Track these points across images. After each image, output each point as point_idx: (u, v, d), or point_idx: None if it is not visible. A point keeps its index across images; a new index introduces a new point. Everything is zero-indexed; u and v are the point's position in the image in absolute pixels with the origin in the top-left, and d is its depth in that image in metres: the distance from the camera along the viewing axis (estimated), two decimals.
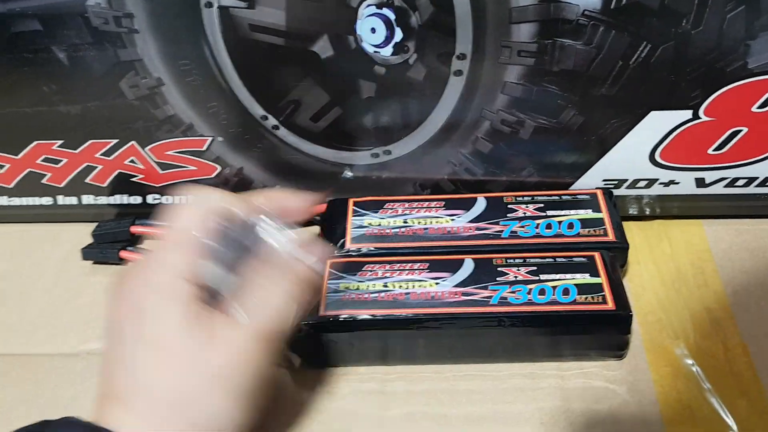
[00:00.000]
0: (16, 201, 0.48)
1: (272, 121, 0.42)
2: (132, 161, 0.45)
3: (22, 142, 0.44)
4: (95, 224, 0.47)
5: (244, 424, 0.31)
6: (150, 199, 0.47)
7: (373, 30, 0.37)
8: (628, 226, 0.43)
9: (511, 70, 0.38)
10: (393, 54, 0.38)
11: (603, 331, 0.38)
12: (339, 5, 0.36)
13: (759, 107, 0.39)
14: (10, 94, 0.41)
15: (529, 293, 0.38)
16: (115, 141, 0.43)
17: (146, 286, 0.30)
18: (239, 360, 0.30)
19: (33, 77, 0.40)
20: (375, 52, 0.38)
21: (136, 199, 0.47)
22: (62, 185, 0.46)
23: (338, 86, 0.40)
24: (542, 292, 0.38)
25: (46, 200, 0.48)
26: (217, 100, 0.41)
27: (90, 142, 0.44)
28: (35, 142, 0.44)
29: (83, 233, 0.48)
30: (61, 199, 0.47)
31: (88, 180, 0.46)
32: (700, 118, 0.40)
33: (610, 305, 0.37)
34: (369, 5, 0.36)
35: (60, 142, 0.44)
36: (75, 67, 0.39)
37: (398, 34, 0.37)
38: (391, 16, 0.36)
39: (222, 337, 0.30)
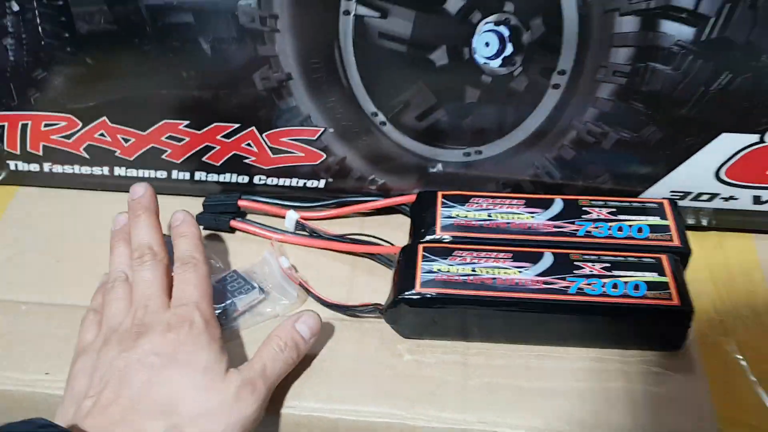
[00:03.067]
0: (133, 172, 0.53)
1: (381, 117, 0.47)
2: (248, 144, 0.50)
3: (152, 120, 0.49)
4: (201, 199, 0.53)
5: None
6: (256, 179, 0.52)
7: (487, 44, 0.42)
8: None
9: (604, 87, 0.43)
10: (501, 66, 0.43)
11: (667, 323, 0.43)
12: (461, 21, 0.41)
13: None
14: (151, 77, 0.47)
15: (603, 286, 0.43)
16: (237, 125, 0.49)
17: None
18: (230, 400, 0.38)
19: (176, 63, 0.45)
20: (485, 63, 0.43)
21: (243, 179, 0.52)
22: (179, 161, 0.52)
23: (446, 91, 0.45)
24: (615, 286, 0.43)
25: (161, 174, 0.53)
26: (336, 95, 0.46)
27: (214, 124, 0.49)
28: (164, 121, 0.49)
29: (191, 205, 0.53)
30: (175, 174, 0.53)
31: (204, 158, 0.51)
32: (765, 142, 0.44)
33: (675, 301, 0.42)
34: (487, 22, 0.41)
35: (186, 122, 0.49)
36: (216, 57, 0.45)
37: (509, 49, 0.42)
38: (506, 33, 0.41)
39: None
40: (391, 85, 0.45)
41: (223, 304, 0.45)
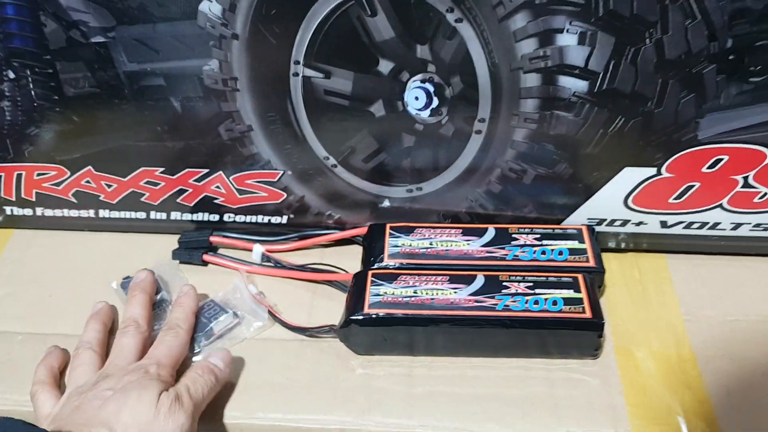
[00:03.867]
0: (116, 214, 0.60)
1: (332, 161, 0.54)
2: (217, 187, 0.56)
3: (131, 167, 0.56)
4: (177, 236, 0.59)
5: None
6: (226, 217, 0.59)
7: (416, 98, 0.49)
8: (606, 256, 0.55)
9: (518, 132, 0.50)
10: (430, 116, 0.50)
11: (581, 334, 0.49)
12: (392, 80, 0.49)
13: (707, 168, 0.51)
14: (130, 131, 0.53)
15: (526, 303, 0.49)
16: (206, 170, 0.55)
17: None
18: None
19: (151, 119, 0.52)
20: (416, 114, 0.50)
21: (214, 217, 0.59)
22: (156, 203, 0.58)
23: (386, 137, 0.52)
24: (536, 302, 0.49)
25: (141, 214, 0.59)
26: (292, 143, 0.53)
27: (186, 170, 0.55)
28: (141, 168, 0.56)
29: (169, 242, 0.59)
30: (153, 214, 0.59)
31: (179, 200, 0.58)
32: (662, 174, 0.51)
33: (588, 314, 0.48)
34: (415, 80, 0.49)
35: (162, 169, 0.56)
36: (185, 113, 0.51)
37: (435, 102, 0.49)
38: (431, 88, 0.49)
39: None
40: (339, 134, 0.52)
41: (202, 332, 0.51)
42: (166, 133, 0.53)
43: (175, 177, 0.56)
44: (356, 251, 0.57)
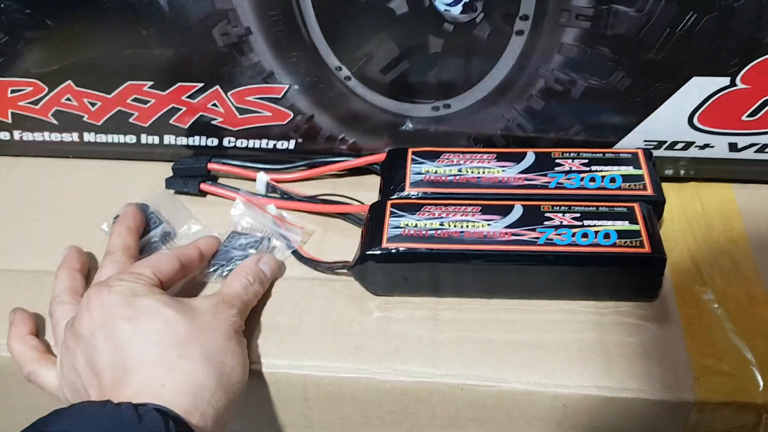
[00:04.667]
0: (102, 138, 0.53)
1: (345, 71, 0.46)
2: (214, 105, 0.49)
3: (116, 82, 0.49)
4: (172, 164, 0.52)
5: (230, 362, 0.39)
6: (225, 142, 0.52)
7: None
8: (663, 186, 0.47)
9: (568, 33, 0.42)
10: (462, 12, 0.42)
11: (638, 272, 0.42)
12: None
13: None
14: (111, 37, 0.46)
15: (573, 236, 0.42)
16: (201, 85, 0.48)
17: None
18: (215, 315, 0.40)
19: (134, 22, 0.45)
20: (446, 10, 0.42)
21: (213, 141, 0.52)
22: (147, 125, 0.51)
23: (409, 41, 0.44)
24: (585, 235, 0.42)
25: (130, 138, 0.52)
26: (298, 50, 0.45)
27: (178, 84, 0.48)
28: (128, 83, 0.49)
29: (164, 170, 0.53)
30: (144, 138, 0.52)
31: (171, 121, 0.51)
32: (736, 85, 0.43)
33: (647, 249, 0.41)
34: None
35: (150, 83, 0.48)
36: (174, 13, 0.44)
37: None
38: None
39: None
40: (353, 37, 0.44)
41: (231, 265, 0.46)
42: (152, 38, 0.45)
43: (165, 93, 0.49)
44: (373, 181, 0.50)
